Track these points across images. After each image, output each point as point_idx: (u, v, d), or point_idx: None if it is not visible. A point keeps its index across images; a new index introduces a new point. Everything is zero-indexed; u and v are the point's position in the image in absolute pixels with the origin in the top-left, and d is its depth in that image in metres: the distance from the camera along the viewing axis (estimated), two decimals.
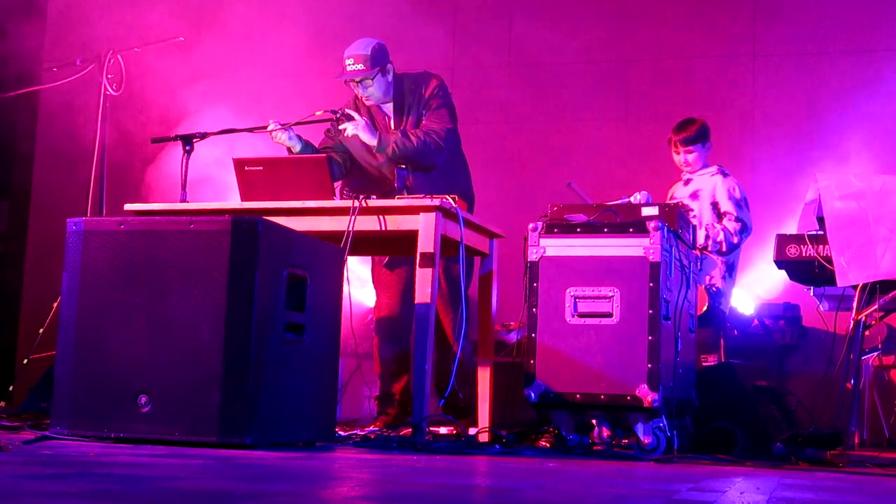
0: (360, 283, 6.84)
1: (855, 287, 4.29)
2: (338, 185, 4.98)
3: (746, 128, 7.25)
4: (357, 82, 5.02)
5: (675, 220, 4.26)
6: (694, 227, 4.75)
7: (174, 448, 3.22)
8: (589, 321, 4.08)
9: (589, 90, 7.58)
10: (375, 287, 5.27)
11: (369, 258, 5.35)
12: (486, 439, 4.32)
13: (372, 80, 5.00)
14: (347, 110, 4.95)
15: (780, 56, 7.30)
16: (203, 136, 4.73)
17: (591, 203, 4.43)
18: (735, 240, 5.42)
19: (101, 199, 5.64)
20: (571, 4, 7.69)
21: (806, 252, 4.41)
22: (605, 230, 4.12)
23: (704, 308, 5.33)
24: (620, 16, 7.55)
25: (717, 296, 5.44)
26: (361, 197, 4.30)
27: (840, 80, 7.07)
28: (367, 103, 5.11)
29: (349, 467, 3.03)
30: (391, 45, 5.20)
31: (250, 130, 4.94)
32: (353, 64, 4.98)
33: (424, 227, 4.22)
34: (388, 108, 5.15)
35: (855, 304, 4.32)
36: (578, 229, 4.15)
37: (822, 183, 4.37)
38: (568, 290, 4.11)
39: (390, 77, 5.09)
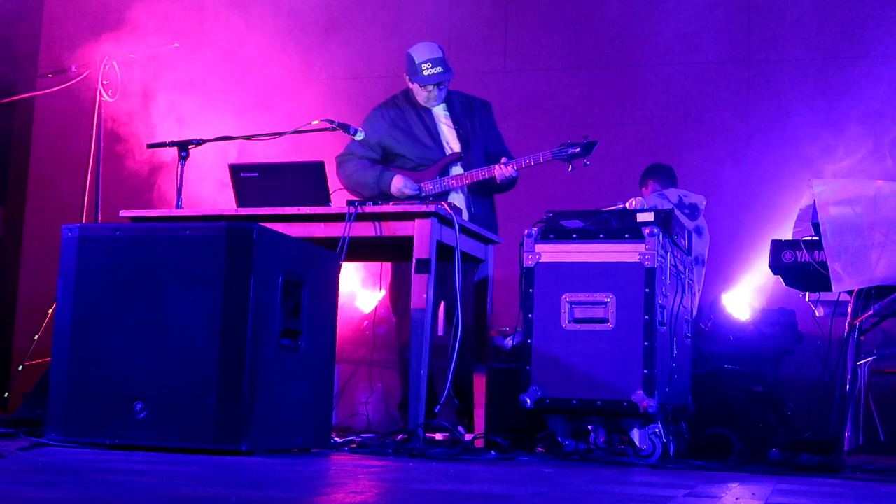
0: (355, 290, 6.85)
1: (850, 292, 4.30)
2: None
3: (741, 134, 7.26)
4: (437, 85, 5.11)
5: (671, 225, 4.26)
6: (690, 233, 4.75)
7: (169, 454, 3.22)
8: (585, 327, 4.08)
9: (584, 96, 7.58)
10: (394, 293, 5.20)
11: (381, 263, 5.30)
12: (482, 445, 4.32)
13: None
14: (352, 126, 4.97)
15: (775, 62, 7.31)
16: (199, 142, 4.72)
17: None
18: None
19: (96, 205, 5.64)
20: (567, 10, 7.70)
21: (801, 257, 4.42)
22: (601, 236, 4.12)
23: None
24: (616, 22, 7.56)
25: None
26: (357, 202, 4.30)
27: (835, 85, 7.08)
28: (431, 104, 5.17)
29: (345, 474, 3.03)
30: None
31: (247, 138, 4.92)
32: (436, 67, 5.07)
33: (420, 233, 4.22)
34: (440, 110, 5.21)
35: (850, 310, 4.32)
36: (574, 235, 4.16)
37: (817, 188, 4.38)
38: (564, 296, 4.11)
39: None
